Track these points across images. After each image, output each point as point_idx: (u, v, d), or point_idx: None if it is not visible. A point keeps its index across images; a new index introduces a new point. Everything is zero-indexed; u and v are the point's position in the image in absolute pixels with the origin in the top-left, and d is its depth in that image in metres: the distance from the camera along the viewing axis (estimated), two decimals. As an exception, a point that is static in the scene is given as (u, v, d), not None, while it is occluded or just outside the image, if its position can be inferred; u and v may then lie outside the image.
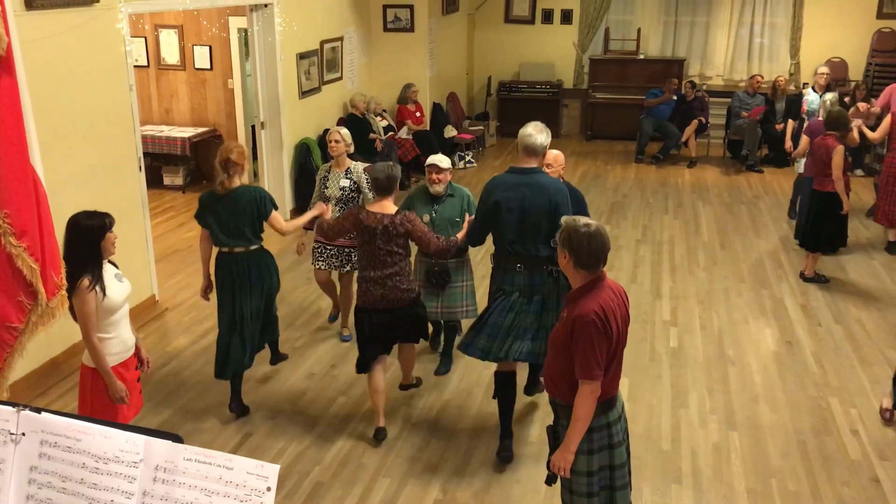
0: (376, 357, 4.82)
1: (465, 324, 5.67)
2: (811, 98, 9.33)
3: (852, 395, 5.43)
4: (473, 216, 4.81)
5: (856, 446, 4.84)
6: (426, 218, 5.28)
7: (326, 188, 5.93)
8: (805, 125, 8.70)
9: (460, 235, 4.87)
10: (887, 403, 5.12)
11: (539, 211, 4.29)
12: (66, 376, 5.55)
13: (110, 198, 5.94)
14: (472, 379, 5.66)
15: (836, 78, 12.10)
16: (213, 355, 5.88)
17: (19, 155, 2.73)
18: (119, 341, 3.82)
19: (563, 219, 3.30)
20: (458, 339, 5.59)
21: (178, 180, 10.32)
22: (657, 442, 4.90)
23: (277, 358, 5.73)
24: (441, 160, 5.35)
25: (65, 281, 2.98)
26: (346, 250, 5.93)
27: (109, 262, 3.80)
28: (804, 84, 9.74)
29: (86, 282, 3.52)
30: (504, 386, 4.64)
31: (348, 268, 5.97)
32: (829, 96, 8.36)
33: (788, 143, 9.56)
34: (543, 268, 4.37)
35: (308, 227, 5.44)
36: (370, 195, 5.67)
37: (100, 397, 3.79)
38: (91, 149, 5.92)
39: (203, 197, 5.05)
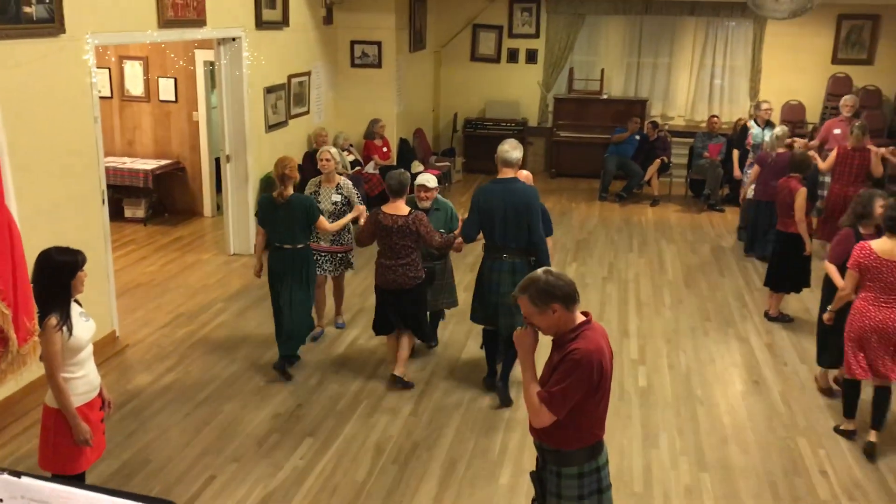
0: (391, 329, 5.98)
1: (448, 313, 6.93)
2: (755, 131, 10.04)
3: (820, 435, 5.45)
4: (466, 216, 5.72)
5: (825, 487, 4.85)
6: None
7: (319, 202, 6.46)
8: (756, 155, 9.45)
9: (457, 232, 5.94)
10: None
11: (517, 209, 5.45)
12: (21, 416, 5.34)
13: (72, 231, 5.79)
14: (442, 420, 5.58)
15: (794, 120, 12.41)
16: (175, 395, 5.81)
17: None
18: (85, 381, 3.69)
19: (519, 287, 3.23)
20: (441, 322, 6.86)
21: (140, 213, 10.14)
22: (629, 484, 4.86)
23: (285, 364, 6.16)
24: (428, 180, 6.20)
25: (37, 326, 2.84)
26: (339, 255, 6.77)
27: (74, 300, 3.68)
28: (751, 117, 10.35)
29: (53, 321, 3.40)
30: (489, 339, 5.94)
31: (340, 271, 6.85)
32: (779, 130, 8.81)
33: (738, 172, 10.39)
34: (524, 255, 5.56)
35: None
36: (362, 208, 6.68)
37: (63, 439, 3.64)
38: (53, 181, 5.78)
39: (262, 201, 6.07)
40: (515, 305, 3.27)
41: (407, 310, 5.88)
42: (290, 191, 5.88)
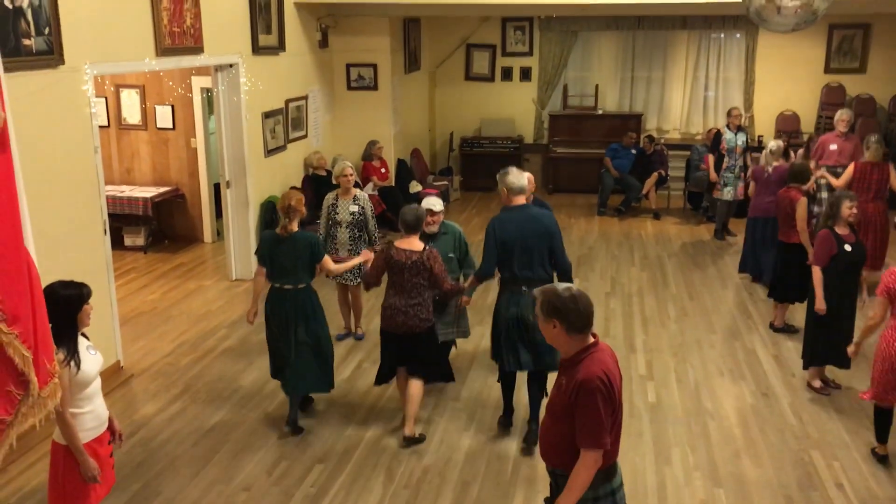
0: (395, 370, 5.55)
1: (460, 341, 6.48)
2: (728, 136, 10.34)
3: (833, 447, 5.42)
4: (483, 252, 5.33)
5: (842, 501, 4.81)
6: None
7: (337, 214, 6.91)
8: (749, 170, 9.68)
9: (467, 285, 5.70)
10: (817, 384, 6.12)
11: (538, 236, 5.18)
12: (27, 451, 5.28)
13: (74, 262, 5.77)
14: (453, 442, 5.54)
15: (788, 130, 12.47)
16: (182, 424, 5.76)
17: (13, 236, 2.57)
18: (94, 416, 3.66)
19: (540, 289, 3.23)
20: (453, 350, 6.36)
21: (140, 241, 10.11)
22: (643, 502, 4.82)
23: (301, 413, 5.79)
24: (434, 204, 5.97)
25: (58, 367, 2.80)
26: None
27: (81, 334, 3.65)
28: (727, 125, 10.48)
29: (60, 356, 3.36)
30: (509, 377, 5.59)
31: (358, 280, 6.96)
32: (773, 145, 8.57)
33: (713, 175, 10.63)
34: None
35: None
36: (372, 221, 7.01)
37: (72, 477, 3.60)
38: (55, 212, 5.76)
39: (266, 237, 5.65)
40: (543, 343, 3.18)
41: (422, 357, 5.45)
42: (296, 226, 5.53)
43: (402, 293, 5.29)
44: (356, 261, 6.07)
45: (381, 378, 5.64)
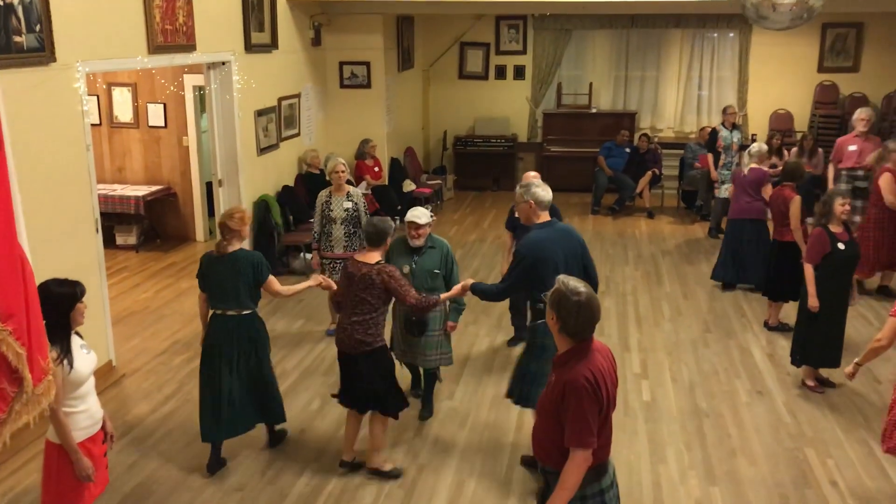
0: (348, 405, 5.06)
1: (444, 369, 6.00)
2: (724, 134, 10.38)
3: (827, 445, 5.42)
4: (510, 269, 4.81)
5: (837, 499, 4.81)
6: (405, 269, 5.37)
7: (331, 211, 6.91)
8: (731, 175, 9.44)
9: (444, 296, 5.11)
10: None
11: (574, 253, 4.81)
12: (20, 451, 5.24)
13: (66, 261, 5.73)
14: (447, 441, 5.52)
15: (782, 129, 12.46)
16: (175, 424, 5.69)
17: (6, 233, 2.55)
18: (87, 415, 3.63)
19: (559, 278, 3.23)
20: (437, 385, 5.97)
21: (132, 240, 10.06)
22: (639, 500, 4.81)
23: (275, 440, 5.43)
24: (419, 216, 5.44)
25: (52, 365, 2.78)
26: None
27: (75, 332, 3.62)
28: (723, 123, 10.55)
29: (53, 354, 3.33)
30: None
31: None
32: (755, 147, 8.34)
33: (714, 173, 10.57)
34: None
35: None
36: (366, 217, 6.84)
37: (66, 476, 3.57)
38: (47, 211, 5.71)
39: (203, 258, 5.11)
40: None
41: (357, 384, 4.91)
42: (236, 245, 4.97)
43: (346, 307, 4.86)
44: (305, 285, 5.26)
45: (343, 396, 5.10)
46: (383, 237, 4.91)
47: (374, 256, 4.88)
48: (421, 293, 5.04)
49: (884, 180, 7.90)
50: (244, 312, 4.98)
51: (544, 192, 4.83)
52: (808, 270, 6.00)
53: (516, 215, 5.59)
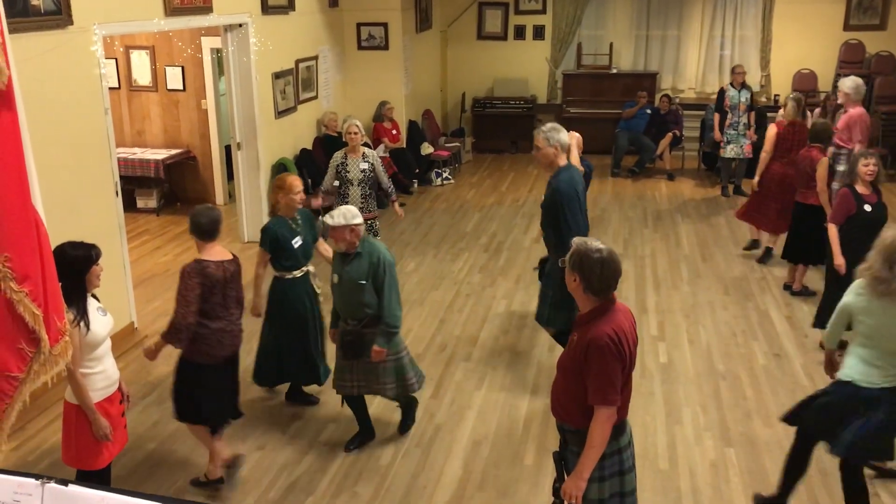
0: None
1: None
2: (731, 94, 10.32)
3: (844, 407, 5.41)
4: (569, 216, 5.11)
5: (852, 460, 4.81)
6: (334, 279, 4.77)
7: (347, 172, 6.89)
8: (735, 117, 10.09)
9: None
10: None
11: (583, 192, 5.35)
12: (45, 410, 5.36)
13: (86, 224, 5.78)
14: (464, 401, 5.57)
15: (805, 89, 12.25)
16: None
17: (20, 195, 2.58)
18: (104, 376, 3.69)
19: (575, 240, 3.23)
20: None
21: (152, 203, 10.14)
22: (654, 461, 4.85)
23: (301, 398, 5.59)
24: (332, 215, 4.62)
25: (68, 326, 2.83)
26: (368, 222, 6.69)
27: (92, 295, 3.67)
28: (731, 83, 10.42)
29: (70, 316, 3.39)
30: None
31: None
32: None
33: (717, 134, 10.58)
34: None
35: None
36: (385, 177, 6.98)
37: (84, 435, 3.65)
38: (66, 174, 5.77)
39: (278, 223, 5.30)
40: None
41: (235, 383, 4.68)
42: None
43: (224, 312, 4.41)
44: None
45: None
46: (217, 225, 4.36)
47: (221, 248, 4.43)
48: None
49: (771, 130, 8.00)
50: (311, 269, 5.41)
51: (565, 136, 5.23)
52: (832, 231, 5.91)
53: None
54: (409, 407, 5.20)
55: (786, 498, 4.29)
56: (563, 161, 5.22)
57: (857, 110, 8.17)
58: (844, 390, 3.92)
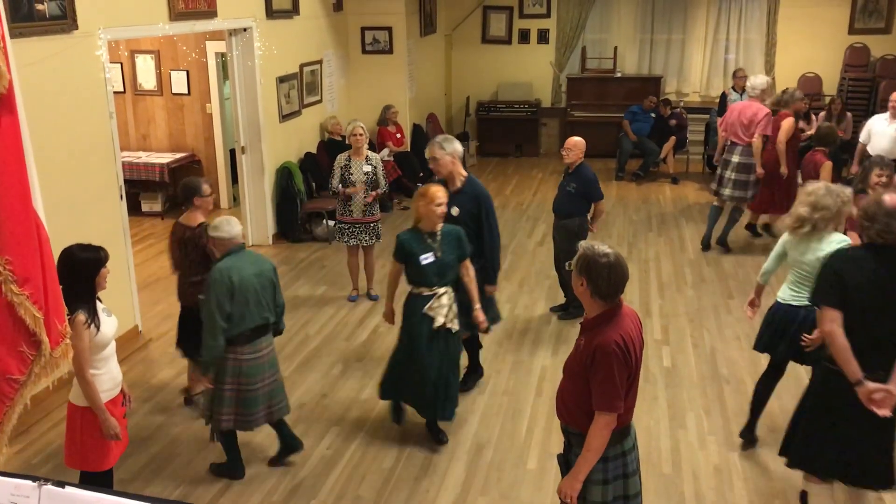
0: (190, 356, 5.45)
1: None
2: (733, 97, 10.49)
3: (849, 411, 5.39)
4: (489, 217, 5.51)
5: (857, 464, 4.79)
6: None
7: (351, 174, 7.02)
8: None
9: None
10: None
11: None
12: (49, 412, 5.37)
13: (91, 227, 5.80)
14: (467, 404, 5.57)
15: (811, 93, 12.24)
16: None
17: (21, 198, 2.60)
18: (109, 377, 3.71)
19: (582, 244, 3.22)
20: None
21: (157, 207, 10.17)
22: (657, 465, 4.84)
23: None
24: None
25: (69, 328, 2.85)
26: (371, 225, 7.13)
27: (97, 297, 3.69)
28: (732, 87, 10.46)
29: (82, 317, 3.41)
30: None
31: (373, 241, 7.22)
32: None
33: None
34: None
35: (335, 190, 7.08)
36: (383, 180, 7.20)
37: (90, 437, 3.67)
38: (71, 178, 5.79)
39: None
40: None
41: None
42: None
43: (182, 269, 5.33)
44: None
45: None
46: (189, 193, 5.21)
47: (197, 217, 5.20)
48: None
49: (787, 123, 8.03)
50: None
51: (458, 145, 5.38)
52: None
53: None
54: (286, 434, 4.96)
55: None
56: (462, 170, 5.43)
57: (762, 107, 8.25)
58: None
